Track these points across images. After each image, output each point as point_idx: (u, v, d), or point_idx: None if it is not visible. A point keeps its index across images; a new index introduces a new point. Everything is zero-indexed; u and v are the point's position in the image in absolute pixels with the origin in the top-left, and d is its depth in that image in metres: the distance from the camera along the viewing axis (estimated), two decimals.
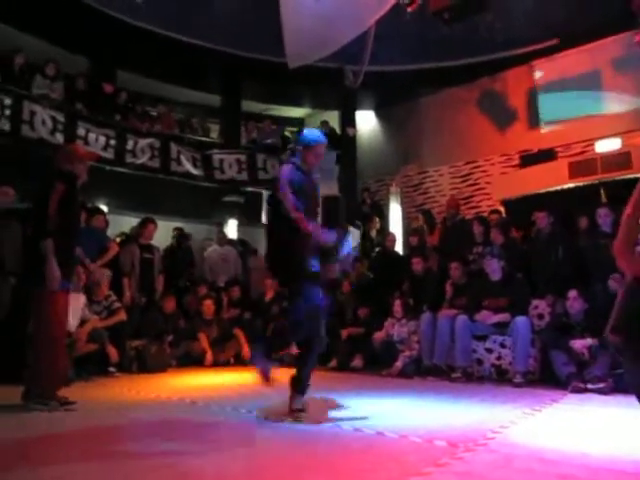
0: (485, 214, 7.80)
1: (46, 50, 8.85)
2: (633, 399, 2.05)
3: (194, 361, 6.69)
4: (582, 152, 8.47)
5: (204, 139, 10.41)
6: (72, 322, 5.14)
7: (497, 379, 5.17)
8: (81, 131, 8.32)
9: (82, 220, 5.56)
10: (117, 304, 6.03)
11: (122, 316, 5.99)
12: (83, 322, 5.55)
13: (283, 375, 3.51)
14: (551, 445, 2.69)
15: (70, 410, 3.78)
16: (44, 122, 7.90)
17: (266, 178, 10.18)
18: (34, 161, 7.34)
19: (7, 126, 7.50)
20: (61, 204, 3.89)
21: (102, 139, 8.53)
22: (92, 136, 8.41)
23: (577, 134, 8.66)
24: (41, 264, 3.80)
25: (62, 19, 8.52)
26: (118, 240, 7.71)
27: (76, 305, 5.31)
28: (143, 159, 9.03)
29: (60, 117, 8.13)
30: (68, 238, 3.99)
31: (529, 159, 8.71)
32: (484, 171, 9.91)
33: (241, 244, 9.27)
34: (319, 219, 3.69)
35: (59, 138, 8.01)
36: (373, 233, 9.42)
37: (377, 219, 9.60)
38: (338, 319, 6.59)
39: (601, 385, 4.30)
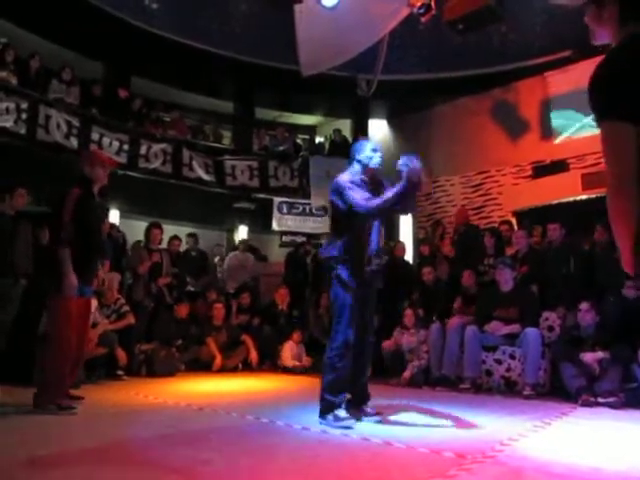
0: (496, 225, 7.75)
1: (62, 55, 8.97)
2: None
3: (202, 366, 6.70)
4: (595, 164, 8.40)
5: (216, 145, 10.48)
6: None
7: (506, 391, 5.13)
8: (95, 135, 8.43)
9: None
10: (126, 308, 6.05)
11: (131, 320, 6.01)
12: (94, 325, 5.58)
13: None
14: (560, 459, 2.65)
15: (77, 404, 3.85)
16: (59, 126, 8.01)
17: (277, 185, 10.24)
18: (48, 164, 7.47)
19: (23, 129, 7.59)
20: (77, 208, 3.90)
21: (116, 144, 8.63)
22: (106, 140, 8.51)
23: (590, 146, 8.57)
24: (57, 270, 3.79)
25: (78, 24, 8.63)
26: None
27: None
28: (156, 164, 9.12)
29: (75, 121, 8.23)
30: (87, 243, 3.97)
31: (542, 170, 8.66)
32: (496, 181, 9.86)
33: (251, 251, 9.29)
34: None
35: (73, 142, 8.12)
36: None
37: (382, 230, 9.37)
38: None
39: (612, 399, 4.24)
